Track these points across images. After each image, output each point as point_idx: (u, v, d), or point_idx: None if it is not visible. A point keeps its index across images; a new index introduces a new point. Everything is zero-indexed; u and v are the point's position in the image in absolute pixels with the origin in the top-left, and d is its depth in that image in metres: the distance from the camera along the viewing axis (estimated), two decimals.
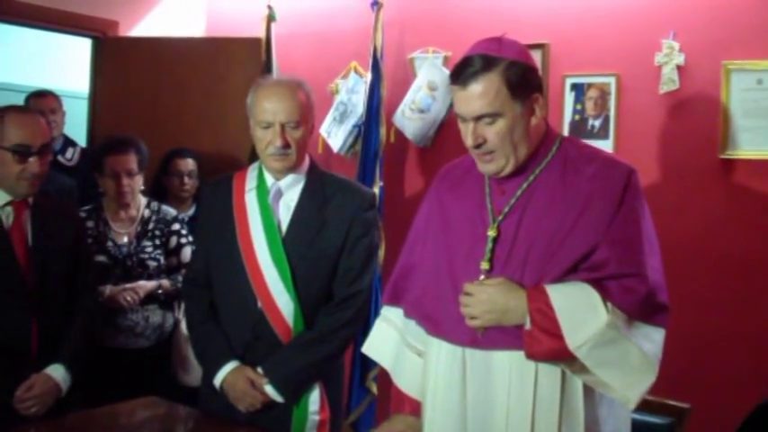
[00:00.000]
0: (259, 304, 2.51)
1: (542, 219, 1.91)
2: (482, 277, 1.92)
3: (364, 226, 2.59)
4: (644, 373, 1.82)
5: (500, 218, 1.96)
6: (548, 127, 2.02)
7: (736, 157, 3.23)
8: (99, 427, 2.43)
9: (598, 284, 1.82)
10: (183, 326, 3.21)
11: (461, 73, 1.91)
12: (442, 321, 1.99)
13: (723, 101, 3.24)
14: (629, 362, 1.81)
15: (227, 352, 2.54)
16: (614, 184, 1.90)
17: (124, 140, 3.36)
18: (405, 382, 2.16)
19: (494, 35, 1.99)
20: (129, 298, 3.16)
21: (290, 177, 2.58)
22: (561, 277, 1.86)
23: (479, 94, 1.88)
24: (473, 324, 1.90)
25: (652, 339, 1.85)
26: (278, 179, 2.58)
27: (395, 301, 2.19)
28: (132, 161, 3.28)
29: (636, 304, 1.82)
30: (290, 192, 2.58)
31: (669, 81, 3.37)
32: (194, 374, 3.16)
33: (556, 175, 1.95)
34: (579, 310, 1.81)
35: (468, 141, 1.93)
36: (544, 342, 1.81)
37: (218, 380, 2.53)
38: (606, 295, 1.81)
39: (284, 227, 2.55)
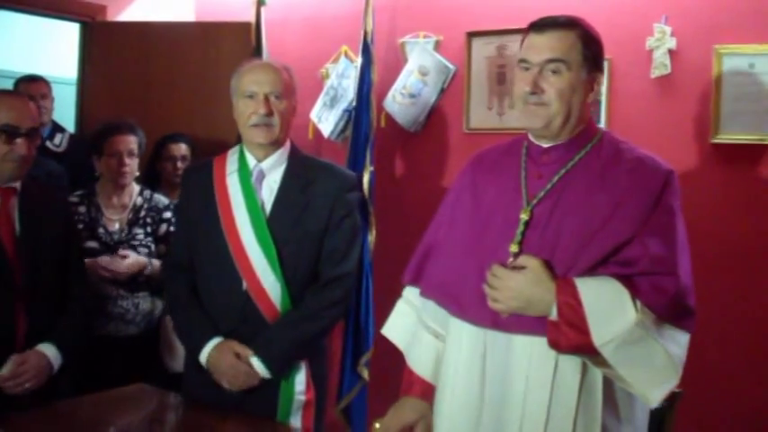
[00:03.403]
0: (244, 286, 2.51)
1: (578, 206, 1.88)
2: (510, 259, 1.89)
3: (347, 206, 2.61)
4: (667, 375, 1.80)
5: (534, 202, 1.94)
6: (591, 118, 2.02)
7: (727, 141, 3.22)
8: (88, 414, 2.42)
9: (628, 281, 1.79)
10: None
11: (543, 22, 1.94)
12: (465, 302, 1.97)
13: (715, 85, 3.22)
14: (653, 362, 1.78)
15: (210, 330, 2.54)
16: (653, 180, 1.88)
17: (126, 123, 3.41)
18: (417, 363, 2.15)
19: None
20: (112, 267, 3.15)
21: (272, 159, 2.59)
22: (591, 268, 1.82)
23: (557, 39, 1.91)
24: (495, 307, 1.88)
25: (678, 342, 1.82)
26: (260, 160, 2.59)
27: (415, 280, 2.19)
28: (134, 142, 3.34)
29: (665, 305, 1.79)
30: (272, 173, 2.59)
31: (661, 65, 3.36)
32: (180, 360, 3.15)
33: (595, 164, 1.93)
34: (608, 307, 1.78)
35: (526, 88, 1.91)
36: (570, 336, 1.78)
37: (203, 356, 2.52)
38: (636, 293, 1.78)
39: (268, 208, 2.56)
